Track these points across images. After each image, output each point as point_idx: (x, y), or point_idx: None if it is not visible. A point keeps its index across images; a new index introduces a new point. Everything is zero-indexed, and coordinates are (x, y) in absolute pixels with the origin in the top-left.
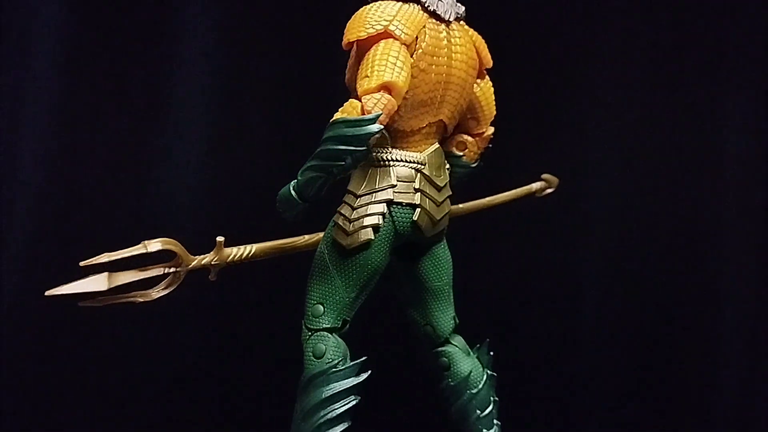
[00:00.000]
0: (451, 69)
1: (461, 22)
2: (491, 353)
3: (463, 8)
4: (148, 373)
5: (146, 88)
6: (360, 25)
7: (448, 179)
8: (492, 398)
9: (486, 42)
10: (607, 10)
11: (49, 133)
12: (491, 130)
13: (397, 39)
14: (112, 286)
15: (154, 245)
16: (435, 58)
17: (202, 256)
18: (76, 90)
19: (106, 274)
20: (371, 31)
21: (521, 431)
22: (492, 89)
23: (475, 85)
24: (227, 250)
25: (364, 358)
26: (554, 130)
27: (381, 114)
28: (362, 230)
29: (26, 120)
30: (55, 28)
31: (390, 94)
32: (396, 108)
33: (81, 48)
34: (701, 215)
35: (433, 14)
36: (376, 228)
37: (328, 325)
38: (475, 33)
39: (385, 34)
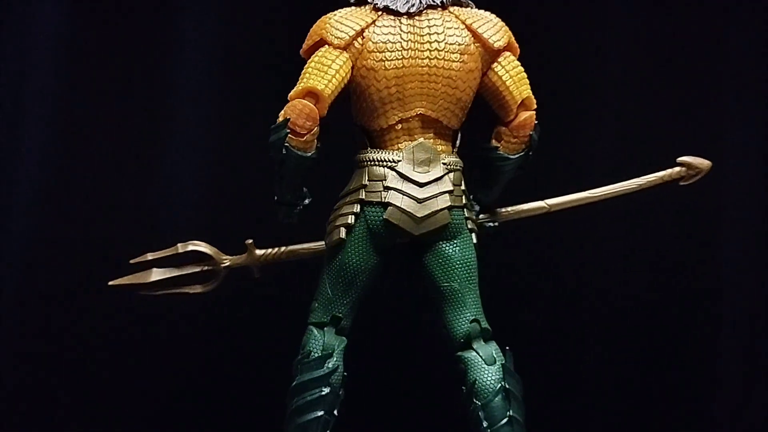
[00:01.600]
0: (418, 60)
1: (450, 8)
2: (508, 365)
3: None
4: (148, 373)
5: (146, 88)
6: (307, 37)
7: (446, 174)
8: (508, 413)
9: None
10: (608, 9)
11: (50, 133)
12: (525, 115)
13: (330, 45)
14: (157, 279)
15: (187, 246)
16: (386, 53)
17: (236, 257)
18: (76, 90)
19: (153, 269)
20: (309, 42)
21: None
22: (517, 69)
23: (491, 70)
24: (258, 252)
25: (329, 352)
26: (554, 130)
27: (289, 119)
28: (335, 230)
29: (26, 120)
30: (55, 27)
31: (315, 99)
32: (319, 111)
33: (81, 48)
34: (701, 215)
35: (386, 10)
36: (348, 227)
37: (316, 320)
38: (477, 15)
39: (321, 42)
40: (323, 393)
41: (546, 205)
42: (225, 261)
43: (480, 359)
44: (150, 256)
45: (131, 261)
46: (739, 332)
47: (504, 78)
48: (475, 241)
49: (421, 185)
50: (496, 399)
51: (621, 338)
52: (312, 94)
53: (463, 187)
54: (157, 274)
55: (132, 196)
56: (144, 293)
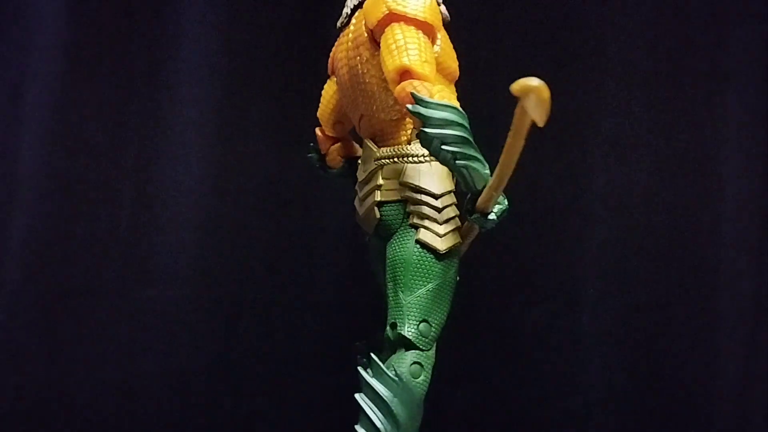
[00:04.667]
0: (348, 66)
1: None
2: (383, 379)
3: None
4: (148, 373)
5: (146, 88)
6: None
7: (372, 170)
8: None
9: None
10: (609, 10)
11: (50, 133)
12: (397, 88)
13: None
14: None
15: None
16: (338, 69)
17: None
18: (75, 90)
19: None
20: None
21: (520, 429)
22: (394, 39)
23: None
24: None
25: None
26: (554, 130)
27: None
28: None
29: (26, 120)
30: (56, 27)
31: (320, 123)
32: (323, 132)
33: (81, 48)
34: (701, 215)
35: (338, 28)
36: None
37: None
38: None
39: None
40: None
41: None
42: None
43: (372, 364)
44: None
45: None
46: (738, 332)
47: (383, 52)
48: (421, 237)
49: (361, 183)
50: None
51: (621, 339)
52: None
53: (405, 180)
54: None
55: (132, 196)
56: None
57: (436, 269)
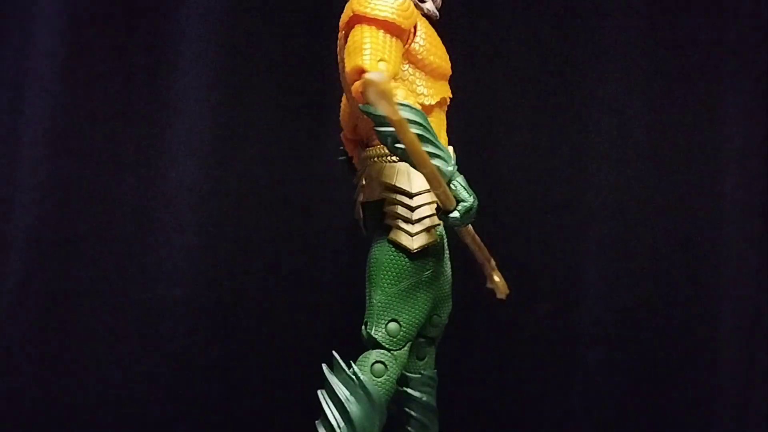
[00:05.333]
0: (340, 70)
1: None
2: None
3: None
4: (148, 373)
5: (146, 88)
6: None
7: (361, 171)
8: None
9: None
10: (608, 9)
11: (49, 133)
12: (353, 90)
13: None
14: None
15: None
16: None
17: None
18: (75, 90)
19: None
20: None
21: (520, 429)
22: (353, 40)
23: None
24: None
25: None
26: (554, 129)
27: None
28: None
29: (26, 120)
30: (56, 28)
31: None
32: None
33: (81, 47)
34: (701, 216)
35: None
36: None
37: None
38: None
39: None
40: None
41: None
42: None
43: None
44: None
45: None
46: (739, 333)
47: (345, 54)
48: (393, 236)
49: (355, 184)
50: None
51: (620, 339)
52: None
53: (382, 179)
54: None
55: (132, 196)
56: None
57: (409, 269)
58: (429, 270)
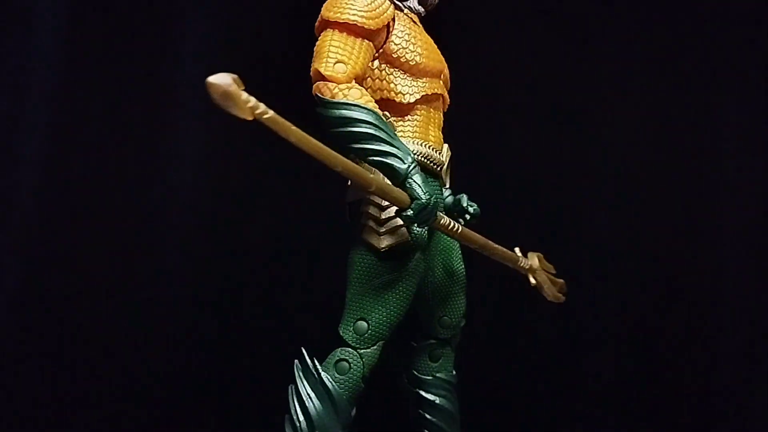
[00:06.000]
0: None
1: None
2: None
3: None
4: (148, 373)
5: (146, 88)
6: None
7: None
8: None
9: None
10: (608, 15)
11: (49, 133)
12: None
13: None
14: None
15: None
16: None
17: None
18: (75, 89)
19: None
20: None
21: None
22: (316, 46)
23: None
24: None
25: None
26: (554, 132)
27: None
28: None
29: (26, 120)
30: (57, 30)
31: None
32: None
33: (81, 47)
34: (701, 216)
35: None
36: None
37: None
38: None
39: None
40: None
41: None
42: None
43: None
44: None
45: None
46: (739, 332)
47: None
48: (363, 235)
49: None
50: None
51: (619, 339)
52: None
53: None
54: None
55: (132, 196)
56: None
57: (378, 268)
58: (399, 270)
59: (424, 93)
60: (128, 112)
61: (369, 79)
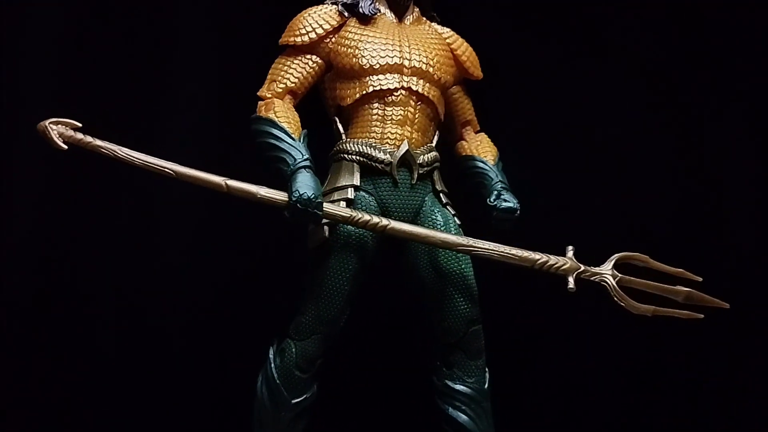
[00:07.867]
0: None
1: None
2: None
3: None
4: (147, 373)
5: (146, 89)
6: None
7: None
8: None
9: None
10: (609, 14)
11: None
12: None
13: None
14: None
15: None
16: None
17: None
18: (74, 91)
19: None
20: None
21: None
22: None
23: None
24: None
25: None
26: (554, 134)
27: None
28: None
29: (25, 120)
30: (54, 28)
31: None
32: None
33: (81, 47)
34: (700, 215)
35: None
36: None
37: None
38: None
39: None
40: None
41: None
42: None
43: None
44: None
45: None
46: (739, 333)
47: None
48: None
49: None
50: None
51: (619, 339)
52: None
53: (341, 182)
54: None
55: (132, 196)
56: None
57: (310, 266)
58: (325, 268)
59: (363, 92)
60: (128, 112)
61: (326, 90)
